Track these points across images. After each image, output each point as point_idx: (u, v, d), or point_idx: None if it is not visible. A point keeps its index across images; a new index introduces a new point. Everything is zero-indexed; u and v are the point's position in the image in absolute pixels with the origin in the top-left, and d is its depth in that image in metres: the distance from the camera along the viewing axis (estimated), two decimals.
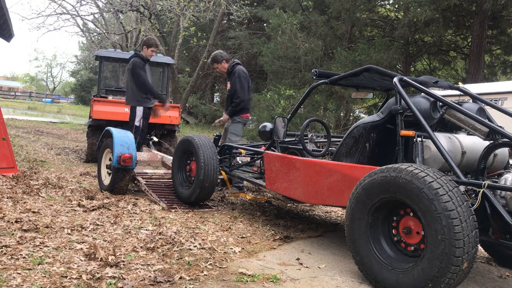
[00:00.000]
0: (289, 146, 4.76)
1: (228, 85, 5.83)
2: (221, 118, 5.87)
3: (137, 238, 3.44)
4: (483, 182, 2.65)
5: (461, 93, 3.85)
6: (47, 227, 3.48)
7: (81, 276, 2.58)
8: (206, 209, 4.70)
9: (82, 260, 2.84)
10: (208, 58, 20.64)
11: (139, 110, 6.05)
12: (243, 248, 3.46)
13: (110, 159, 5.08)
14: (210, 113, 21.04)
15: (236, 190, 5.45)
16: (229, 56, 5.99)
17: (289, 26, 14.63)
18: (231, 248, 3.40)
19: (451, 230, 2.40)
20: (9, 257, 2.77)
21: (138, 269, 2.79)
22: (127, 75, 6.27)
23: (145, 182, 5.11)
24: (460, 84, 4.38)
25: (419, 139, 3.00)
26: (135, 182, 5.21)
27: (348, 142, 3.62)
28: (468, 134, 3.34)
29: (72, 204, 4.30)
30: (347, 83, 4.10)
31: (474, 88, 5.66)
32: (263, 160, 4.34)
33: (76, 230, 3.51)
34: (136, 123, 6.01)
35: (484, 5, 11.37)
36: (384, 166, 2.81)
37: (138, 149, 6.17)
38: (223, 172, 4.88)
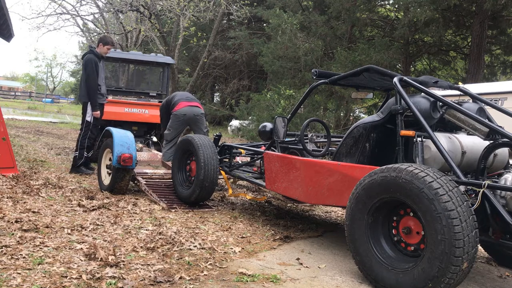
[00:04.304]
0: (289, 146, 4.76)
1: None
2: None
3: (137, 238, 3.44)
4: (483, 182, 2.65)
5: (461, 93, 3.84)
6: (47, 227, 3.48)
7: (81, 276, 2.58)
8: (206, 209, 4.70)
9: (82, 260, 2.84)
10: (208, 58, 20.60)
11: (90, 107, 6.20)
12: (243, 248, 3.46)
13: (110, 159, 5.08)
14: (210, 113, 21.08)
15: None
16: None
17: (289, 26, 14.64)
18: (231, 248, 3.40)
19: (451, 230, 2.40)
20: (9, 257, 2.77)
21: (138, 269, 2.79)
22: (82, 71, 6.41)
23: (145, 182, 5.11)
24: (460, 84, 4.38)
25: (419, 139, 3.00)
26: (135, 182, 5.21)
27: (348, 142, 3.61)
28: (468, 134, 3.33)
29: (72, 204, 4.30)
30: (347, 83, 4.10)
31: (474, 88, 5.66)
32: (263, 160, 4.34)
33: (76, 230, 3.51)
34: (88, 118, 6.17)
35: (484, 5, 11.37)
36: (384, 166, 2.81)
37: (92, 144, 6.36)
38: (223, 172, 4.88)
